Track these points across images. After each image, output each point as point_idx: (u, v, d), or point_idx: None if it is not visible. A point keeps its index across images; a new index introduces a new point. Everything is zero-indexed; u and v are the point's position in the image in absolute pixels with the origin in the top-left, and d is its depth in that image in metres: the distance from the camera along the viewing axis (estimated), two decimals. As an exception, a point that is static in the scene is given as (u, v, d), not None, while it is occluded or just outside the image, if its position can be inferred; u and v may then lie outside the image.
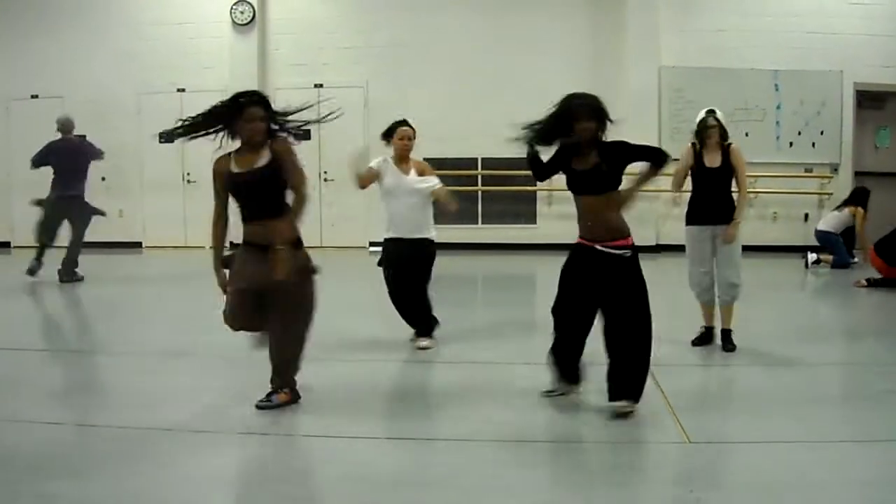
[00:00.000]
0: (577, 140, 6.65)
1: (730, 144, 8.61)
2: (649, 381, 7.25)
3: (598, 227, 6.53)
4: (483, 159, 16.11)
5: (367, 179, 8.62)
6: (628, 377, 6.46)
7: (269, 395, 6.58)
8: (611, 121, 6.68)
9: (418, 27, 16.33)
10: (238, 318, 6.59)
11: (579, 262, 6.63)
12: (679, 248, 15.29)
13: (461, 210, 16.06)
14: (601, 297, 6.52)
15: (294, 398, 6.65)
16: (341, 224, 16.82)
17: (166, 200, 16.77)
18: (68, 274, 12.78)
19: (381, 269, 8.80)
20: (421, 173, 8.91)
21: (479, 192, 16.37)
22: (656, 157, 6.64)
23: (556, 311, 6.78)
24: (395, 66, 16.33)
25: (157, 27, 16.63)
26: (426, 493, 5.18)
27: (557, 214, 16.20)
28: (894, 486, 5.38)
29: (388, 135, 8.85)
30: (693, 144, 8.71)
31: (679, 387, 7.42)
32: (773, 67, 16.31)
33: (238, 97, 6.62)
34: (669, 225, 16.18)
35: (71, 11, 16.91)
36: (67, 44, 16.85)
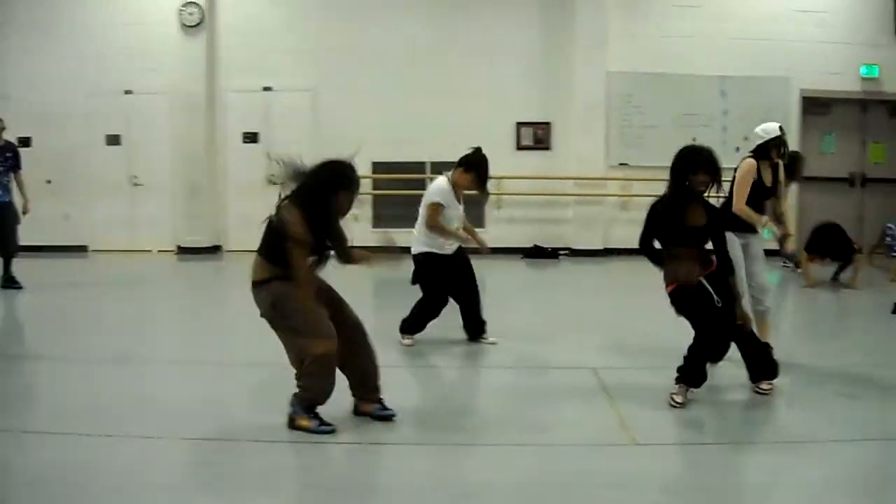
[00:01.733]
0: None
1: (778, 162, 8.52)
2: (596, 384, 7.52)
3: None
4: (432, 163, 16.25)
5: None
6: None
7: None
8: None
9: (368, 31, 16.44)
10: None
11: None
12: (626, 252, 15.69)
13: (411, 214, 16.28)
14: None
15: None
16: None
17: (113, 203, 16.71)
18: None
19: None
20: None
21: (429, 197, 16.55)
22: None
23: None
24: (345, 69, 16.41)
25: (105, 29, 16.57)
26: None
27: (508, 218, 16.42)
28: (843, 485, 5.62)
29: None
30: (755, 158, 8.43)
31: (626, 390, 7.62)
32: (720, 73, 16.65)
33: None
34: (618, 229, 16.47)
35: (19, 12, 16.85)
36: (14, 44, 16.78)
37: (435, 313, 9.19)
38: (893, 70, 17.05)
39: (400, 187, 16.35)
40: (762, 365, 7.35)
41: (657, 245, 7.38)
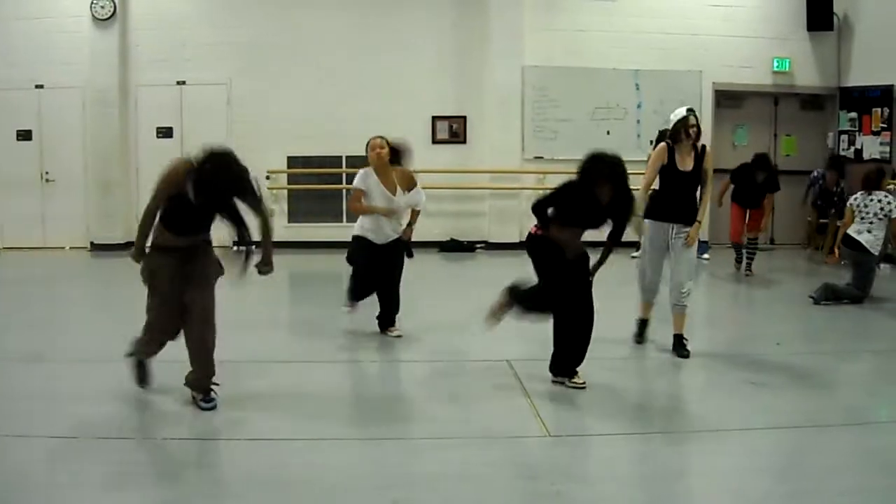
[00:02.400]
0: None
1: (704, 146, 8.66)
2: (511, 376, 7.62)
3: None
4: (348, 157, 16.26)
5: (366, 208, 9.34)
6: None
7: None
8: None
9: (282, 24, 16.41)
10: None
11: None
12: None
13: (326, 208, 16.29)
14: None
15: None
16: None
17: (24, 200, 16.47)
18: None
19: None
20: (405, 184, 9.47)
21: (344, 191, 16.53)
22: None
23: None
24: (259, 63, 16.36)
25: (15, 22, 16.31)
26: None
27: (423, 212, 16.41)
28: (753, 473, 5.77)
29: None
30: (667, 143, 8.63)
31: (541, 382, 7.72)
32: (635, 67, 16.91)
33: None
34: (533, 222, 16.54)
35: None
36: (-78, 37, 16.52)
37: (362, 288, 9.58)
38: (804, 63, 17.53)
39: (315, 182, 16.38)
40: (572, 358, 7.60)
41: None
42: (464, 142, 16.82)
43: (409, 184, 9.42)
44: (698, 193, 8.72)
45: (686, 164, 8.51)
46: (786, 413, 7.12)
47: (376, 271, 9.37)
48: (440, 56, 16.80)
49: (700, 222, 8.65)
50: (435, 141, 16.76)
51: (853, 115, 17.13)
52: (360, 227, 9.39)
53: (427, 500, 5.36)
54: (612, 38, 16.84)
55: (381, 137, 9.37)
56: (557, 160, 16.36)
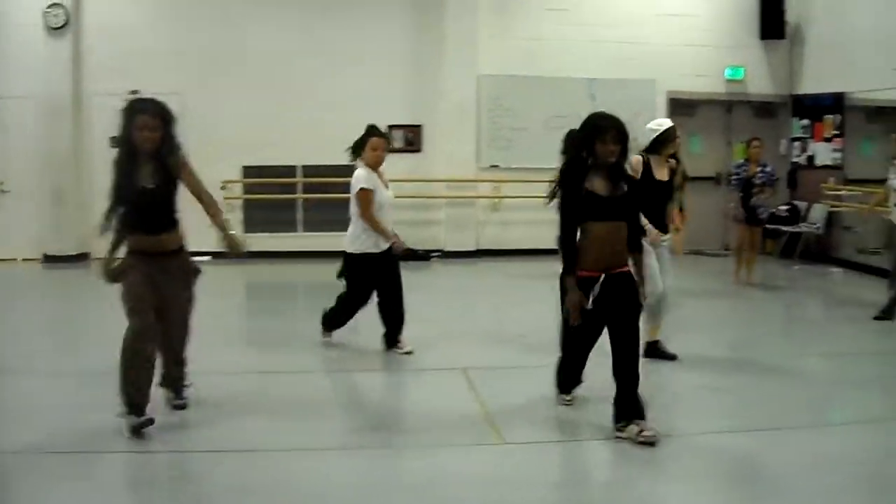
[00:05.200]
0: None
1: (676, 156, 8.87)
2: (466, 385, 7.77)
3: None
4: (303, 167, 16.41)
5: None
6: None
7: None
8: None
9: (236, 34, 16.45)
10: None
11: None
12: (498, 253, 16.03)
13: (282, 218, 16.37)
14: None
15: None
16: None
17: (-25, 211, 16.43)
18: None
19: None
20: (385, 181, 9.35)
21: (300, 200, 16.67)
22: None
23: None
24: (213, 73, 16.41)
25: (-34, 31, 16.35)
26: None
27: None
28: (713, 476, 5.97)
29: (361, 147, 9.12)
30: (643, 155, 8.60)
31: (496, 390, 7.93)
32: (589, 76, 17.17)
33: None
34: (489, 230, 16.84)
35: None
36: None
37: (349, 315, 9.40)
38: (757, 72, 17.95)
39: (271, 192, 16.49)
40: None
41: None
42: (419, 150, 17.00)
43: (386, 181, 9.36)
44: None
45: (662, 174, 8.65)
46: (734, 417, 7.37)
47: (375, 288, 9.23)
48: (395, 65, 16.98)
49: (680, 230, 8.85)
50: (390, 150, 16.81)
51: (805, 122, 17.53)
52: (357, 239, 9.06)
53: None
54: (566, 47, 17.14)
55: (384, 137, 9.34)
56: (513, 169, 16.74)
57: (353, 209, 9.06)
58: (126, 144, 6.65)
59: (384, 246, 9.05)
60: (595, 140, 6.62)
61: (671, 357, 8.88)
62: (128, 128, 6.60)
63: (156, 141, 6.61)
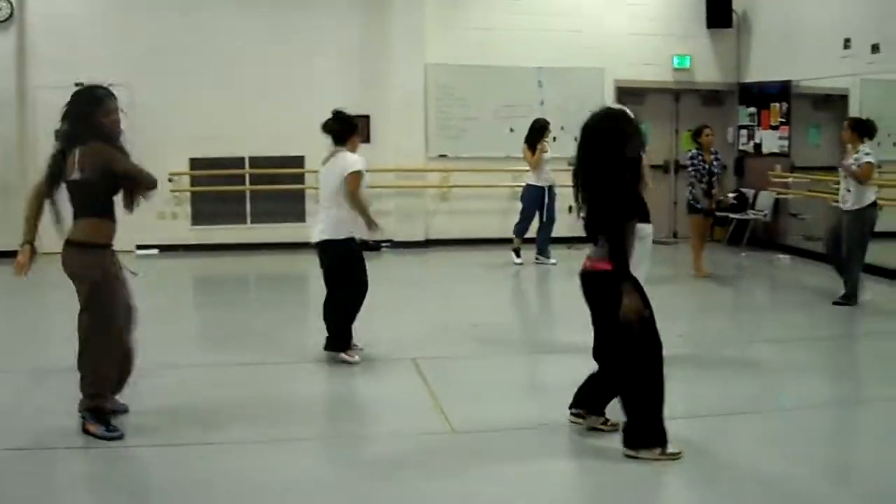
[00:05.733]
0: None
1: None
2: (415, 374, 7.79)
3: None
4: (251, 158, 16.36)
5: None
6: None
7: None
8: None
9: (183, 25, 16.35)
10: None
11: None
12: (448, 243, 16.08)
13: (231, 210, 16.30)
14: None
15: None
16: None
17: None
18: None
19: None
20: None
21: (248, 192, 16.62)
22: None
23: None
24: (160, 64, 16.24)
25: None
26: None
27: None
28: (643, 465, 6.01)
29: (350, 132, 8.77)
30: None
31: (445, 379, 8.01)
32: (538, 65, 17.24)
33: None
34: (438, 220, 16.88)
35: None
36: None
37: (360, 305, 8.80)
38: (705, 60, 18.12)
39: (219, 184, 16.42)
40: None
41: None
42: (367, 141, 16.90)
43: None
44: None
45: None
46: (682, 403, 7.45)
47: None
48: (343, 55, 16.96)
49: None
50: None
51: (752, 110, 17.72)
52: (343, 223, 8.61)
53: (329, 501, 5.57)
54: (515, 36, 17.18)
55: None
56: (462, 158, 16.77)
57: (335, 196, 8.58)
58: (97, 133, 6.50)
59: (360, 234, 8.76)
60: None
61: None
62: (94, 115, 6.49)
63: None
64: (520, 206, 15.24)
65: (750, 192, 17.32)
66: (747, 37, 17.97)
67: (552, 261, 14.83)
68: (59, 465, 6.11)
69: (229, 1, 16.68)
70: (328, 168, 8.71)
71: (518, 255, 15.08)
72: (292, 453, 6.34)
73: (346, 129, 8.75)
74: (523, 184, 15.32)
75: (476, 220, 17.03)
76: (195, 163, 16.51)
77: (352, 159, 8.59)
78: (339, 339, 8.69)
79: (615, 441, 6.34)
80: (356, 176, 8.51)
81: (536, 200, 14.97)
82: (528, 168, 15.12)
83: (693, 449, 6.38)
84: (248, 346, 9.48)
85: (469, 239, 16.85)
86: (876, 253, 12.18)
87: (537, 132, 14.91)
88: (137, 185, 6.65)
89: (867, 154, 11.15)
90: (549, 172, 14.86)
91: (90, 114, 6.49)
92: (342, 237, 8.55)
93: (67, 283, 6.58)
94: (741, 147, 18.00)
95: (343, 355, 8.66)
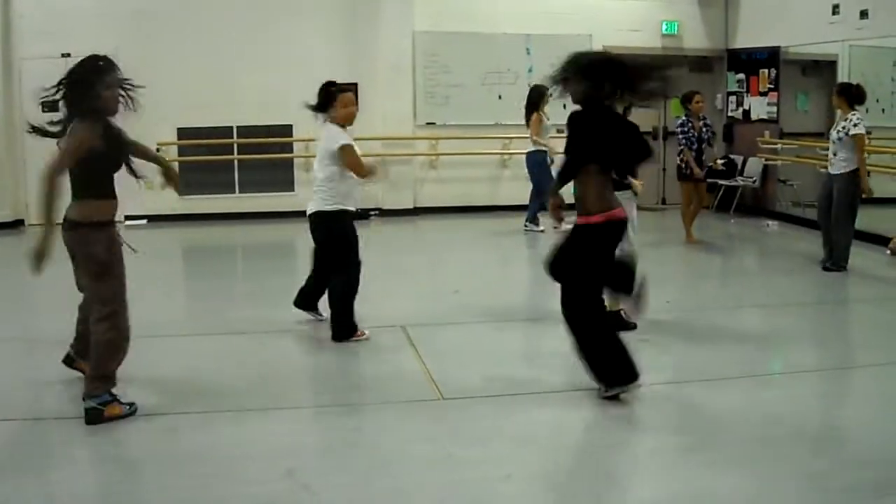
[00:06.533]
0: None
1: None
2: (405, 341, 7.81)
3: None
4: (238, 127, 16.34)
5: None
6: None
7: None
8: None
9: (169, -7, 16.28)
10: None
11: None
12: (436, 211, 16.10)
13: (219, 180, 16.26)
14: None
15: None
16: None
17: None
18: None
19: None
20: None
21: (236, 161, 16.60)
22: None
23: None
24: (146, 33, 16.11)
25: None
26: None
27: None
28: (645, 428, 6.07)
29: (326, 104, 8.32)
30: None
31: (434, 346, 8.08)
32: (525, 32, 17.23)
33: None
34: (427, 188, 16.90)
35: None
36: None
37: (358, 282, 8.53)
38: (693, 26, 18.15)
39: (206, 153, 16.39)
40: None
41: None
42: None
43: None
44: None
45: None
46: (673, 369, 7.52)
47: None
48: (331, 23, 16.91)
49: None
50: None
51: (741, 76, 17.75)
52: (337, 196, 8.29)
53: (321, 468, 5.58)
54: (503, 3, 17.24)
55: (351, 92, 8.57)
56: (449, 125, 16.78)
57: (323, 167, 8.29)
58: (94, 106, 6.27)
59: (353, 207, 8.42)
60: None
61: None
62: (93, 88, 6.24)
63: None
64: (508, 173, 15.22)
65: (739, 159, 17.39)
66: (735, 2, 17.97)
67: (540, 228, 14.85)
68: (53, 437, 6.13)
69: (217, -32, 16.57)
70: (319, 140, 8.51)
71: (537, 225, 15.03)
72: (282, 422, 6.37)
73: (321, 100, 8.34)
74: (525, 152, 15.21)
75: (465, 188, 17.07)
76: (183, 132, 16.47)
77: (334, 132, 8.22)
78: (343, 328, 8.40)
79: (601, 406, 6.45)
80: (347, 150, 8.15)
81: (542, 165, 14.92)
82: (517, 136, 15.08)
83: (681, 414, 6.46)
84: (238, 316, 9.51)
85: (458, 206, 16.95)
86: (865, 219, 12.23)
87: (538, 99, 14.77)
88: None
89: (855, 125, 11.09)
90: (550, 140, 14.79)
91: (93, 83, 6.24)
92: (332, 209, 8.28)
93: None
94: (730, 114, 18.04)
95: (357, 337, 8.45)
